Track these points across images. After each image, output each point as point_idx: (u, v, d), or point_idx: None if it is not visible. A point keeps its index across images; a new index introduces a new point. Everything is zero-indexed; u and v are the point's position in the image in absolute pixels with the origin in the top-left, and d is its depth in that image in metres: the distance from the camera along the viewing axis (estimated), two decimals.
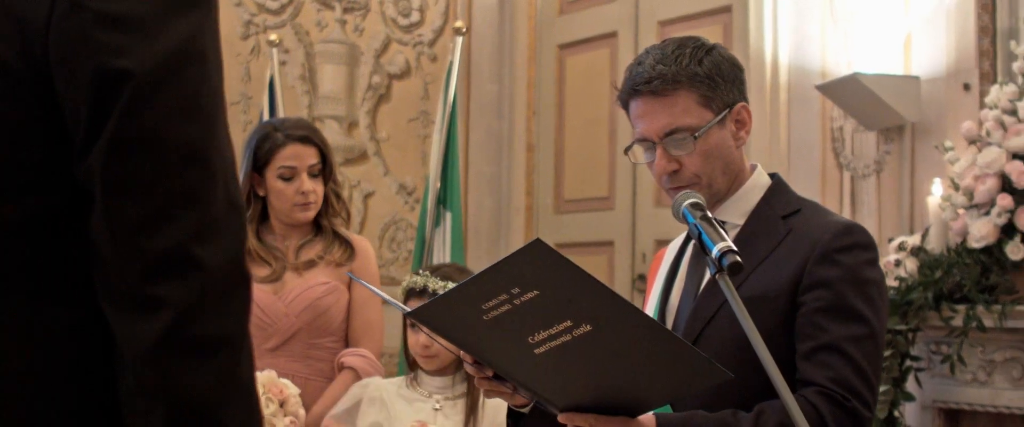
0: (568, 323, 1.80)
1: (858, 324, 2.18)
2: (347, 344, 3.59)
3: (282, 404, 3.23)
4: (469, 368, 2.15)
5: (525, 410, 2.24)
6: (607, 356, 1.90)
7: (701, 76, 2.27)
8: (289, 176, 3.54)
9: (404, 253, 6.31)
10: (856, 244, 2.24)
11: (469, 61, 6.38)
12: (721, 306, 2.20)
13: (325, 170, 3.58)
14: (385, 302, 2.63)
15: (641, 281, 5.76)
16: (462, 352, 2.10)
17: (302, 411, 3.27)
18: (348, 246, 3.59)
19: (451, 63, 5.45)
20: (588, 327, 1.80)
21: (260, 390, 3.19)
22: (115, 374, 1.32)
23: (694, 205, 2.07)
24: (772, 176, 2.39)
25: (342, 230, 3.62)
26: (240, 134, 6.27)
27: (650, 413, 2.08)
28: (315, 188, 3.55)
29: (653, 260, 2.57)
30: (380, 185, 6.39)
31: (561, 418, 2.05)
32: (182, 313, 1.25)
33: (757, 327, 1.88)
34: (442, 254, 5.47)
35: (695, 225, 2.01)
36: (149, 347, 1.25)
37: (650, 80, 2.27)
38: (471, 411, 3.16)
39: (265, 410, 3.16)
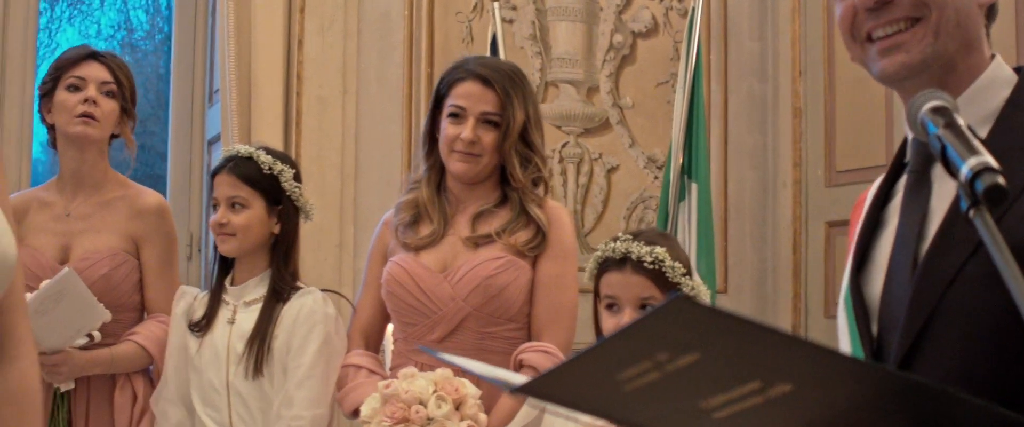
0: (757, 384, 1.41)
1: None
2: (530, 334, 2.97)
3: (458, 406, 2.72)
4: None
5: None
6: (816, 415, 1.47)
7: None
8: (458, 116, 2.98)
9: None
10: None
11: (725, 16, 5.65)
12: (965, 262, 1.55)
13: (506, 126, 2.96)
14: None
15: None
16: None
17: (483, 415, 2.73)
18: (539, 231, 2.97)
19: (693, 10, 4.76)
20: (787, 386, 1.41)
21: (430, 389, 2.70)
22: None
23: (938, 110, 1.40)
24: (1018, 70, 1.71)
25: (534, 209, 2.99)
26: None
27: None
28: (482, 138, 2.95)
29: (854, 207, 1.87)
30: (625, 158, 5.73)
31: None
32: None
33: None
34: (688, 231, 4.82)
35: (937, 137, 1.36)
36: None
37: None
38: None
39: (437, 411, 2.68)
